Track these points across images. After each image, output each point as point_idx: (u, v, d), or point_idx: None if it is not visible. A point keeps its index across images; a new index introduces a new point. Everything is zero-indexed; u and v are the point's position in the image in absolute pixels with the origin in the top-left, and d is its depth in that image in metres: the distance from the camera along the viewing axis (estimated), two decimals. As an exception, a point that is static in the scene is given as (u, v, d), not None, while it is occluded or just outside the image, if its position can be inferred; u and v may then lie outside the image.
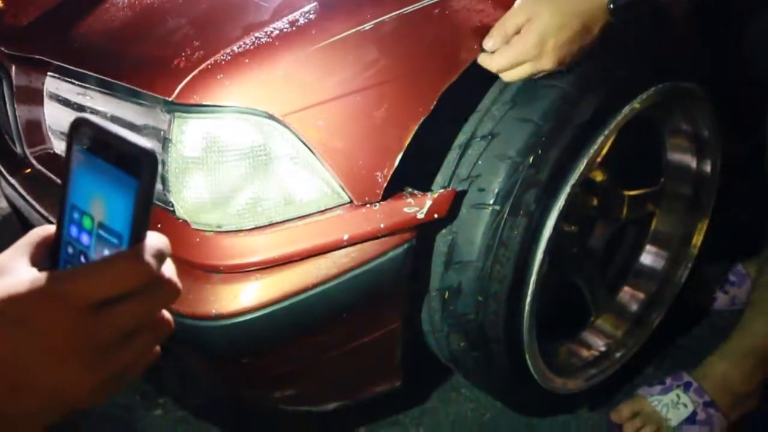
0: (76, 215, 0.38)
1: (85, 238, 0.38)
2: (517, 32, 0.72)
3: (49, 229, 0.40)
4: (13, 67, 1.04)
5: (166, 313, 0.39)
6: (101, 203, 0.37)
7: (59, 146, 1.02)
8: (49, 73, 0.97)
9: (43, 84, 0.99)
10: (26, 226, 1.14)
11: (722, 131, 1.01)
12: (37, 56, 0.97)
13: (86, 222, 0.37)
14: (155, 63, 0.76)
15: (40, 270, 0.37)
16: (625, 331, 1.08)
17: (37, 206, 1.04)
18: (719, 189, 1.05)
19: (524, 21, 0.71)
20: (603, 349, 1.07)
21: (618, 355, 1.06)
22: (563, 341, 1.10)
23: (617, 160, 1.00)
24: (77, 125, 0.37)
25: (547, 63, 0.73)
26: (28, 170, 1.09)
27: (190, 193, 0.74)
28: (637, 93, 0.85)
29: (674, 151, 1.06)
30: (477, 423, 1.12)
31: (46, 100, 0.99)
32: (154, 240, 0.37)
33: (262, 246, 0.74)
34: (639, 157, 1.08)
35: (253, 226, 0.74)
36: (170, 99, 0.71)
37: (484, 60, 0.76)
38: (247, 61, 0.70)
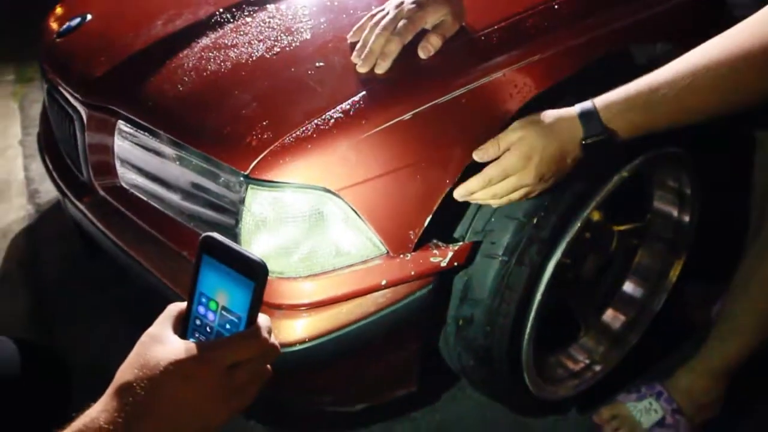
0: (204, 300, 0.55)
1: (210, 315, 0.55)
2: (508, 149, 0.84)
3: (181, 305, 0.57)
4: (86, 110, 1.18)
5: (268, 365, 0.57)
6: (224, 293, 0.54)
7: (125, 176, 1.14)
8: (120, 120, 1.11)
9: (114, 123, 1.11)
10: (90, 244, 1.28)
11: (703, 189, 1.18)
12: (110, 106, 1.12)
13: (212, 305, 0.55)
14: (229, 137, 0.91)
15: (180, 337, 0.54)
16: (607, 348, 1.27)
17: (106, 231, 1.17)
18: (696, 236, 1.22)
19: (516, 140, 0.83)
20: (587, 362, 1.26)
21: (599, 368, 1.25)
22: (554, 354, 1.28)
23: (609, 201, 1.17)
24: (206, 240, 0.53)
25: (530, 176, 0.83)
26: (95, 197, 1.22)
27: (258, 246, 0.91)
28: (627, 162, 1.02)
29: (659, 200, 1.23)
30: (479, 420, 1.30)
31: (116, 136, 1.11)
32: (265, 320, 0.55)
33: (316, 289, 0.91)
34: (628, 198, 1.25)
35: (308, 273, 0.91)
36: (246, 173, 0.87)
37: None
38: (309, 146, 0.86)
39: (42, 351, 0.91)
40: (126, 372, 0.51)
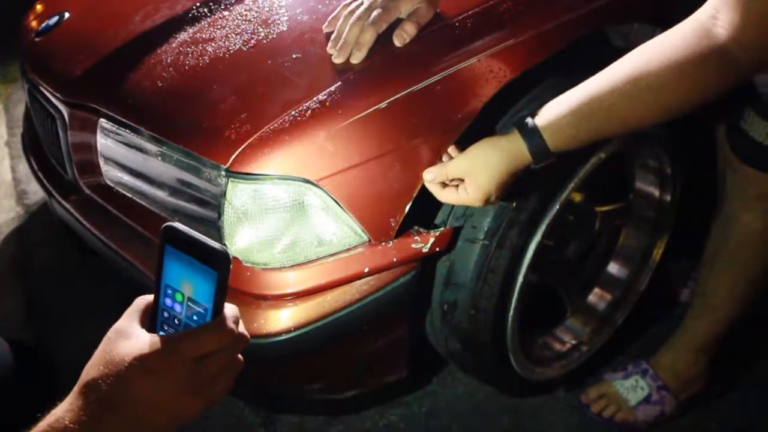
0: (170, 291, 0.53)
1: (177, 307, 0.53)
2: (461, 180, 0.87)
3: (148, 298, 0.55)
4: (67, 109, 1.18)
5: (239, 355, 0.55)
6: (189, 284, 0.52)
7: (109, 174, 1.14)
8: (102, 118, 1.11)
9: (95, 121, 1.11)
10: (79, 243, 1.29)
11: (683, 168, 1.19)
12: (91, 104, 1.12)
13: (178, 296, 0.53)
14: (209, 131, 0.92)
15: (147, 331, 0.53)
16: (593, 328, 1.28)
17: (93, 229, 1.18)
18: (677, 215, 1.24)
19: (464, 174, 0.86)
20: (574, 342, 1.28)
21: (585, 348, 1.27)
22: (540, 335, 1.30)
23: (591, 182, 1.18)
24: (168, 230, 0.52)
25: (479, 203, 0.87)
26: (81, 196, 1.22)
27: (240, 239, 0.92)
28: (603, 144, 1.03)
29: (641, 180, 1.24)
30: (470, 403, 1.32)
31: (99, 134, 1.11)
32: (231, 310, 0.54)
33: (300, 279, 0.93)
34: (611, 178, 1.26)
35: (292, 264, 0.93)
36: (225, 166, 0.88)
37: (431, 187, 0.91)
38: (287, 137, 0.87)
39: (28, 351, 0.91)
40: (91, 369, 0.51)
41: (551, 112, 0.81)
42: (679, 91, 0.74)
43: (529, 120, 0.82)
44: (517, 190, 0.94)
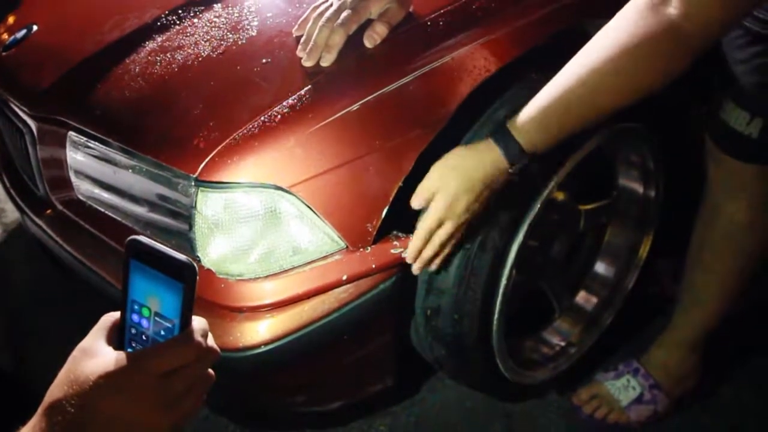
0: (136, 307, 0.52)
1: (144, 323, 0.52)
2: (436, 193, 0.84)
3: (115, 315, 0.53)
4: (36, 123, 1.16)
5: (209, 369, 0.54)
6: (155, 298, 0.51)
7: (81, 188, 1.11)
8: (71, 132, 1.09)
9: (64, 135, 1.08)
10: (54, 260, 1.26)
11: (665, 163, 1.18)
12: (59, 117, 1.09)
13: (144, 311, 0.52)
14: (177, 140, 0.90)
15: (115, 348, 0.51)
16: (582, 329, 1.26)
17: (66, 246, 1.15)
18: (662, 211, 1.22)
19: (437, 189, 0.83)
20: (563, 344, 1.26)
21: (575, 350, 1.25)
22: (528, 338, 1.28)
23: (574, 180, 1.16)
24: (132, 244, 0.50)
25: (464, 214, 0.84)
26: (53, 212, 1.19)
27: (213, 249, 0.89)
28: (585, 140, 1.01)
29: (624, 177, 1.22)
30: (460, 410, 1.30)
31: (68, 147, 1.08)
32: (199, 324, 0.52)
33: (276, 289, 0.90)
34: (593, 175, 1.24)
35: (267, 274, 0.90)
36: (194, 176, 0.85)
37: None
38: (256, 143, 0.84)
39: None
40: (55, 390, 0.49)
41: (522, 114, 0.80)
42: (638, 73, 0.74)
43: (500, 124, 0.82)
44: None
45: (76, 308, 1.53)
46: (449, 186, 0.82)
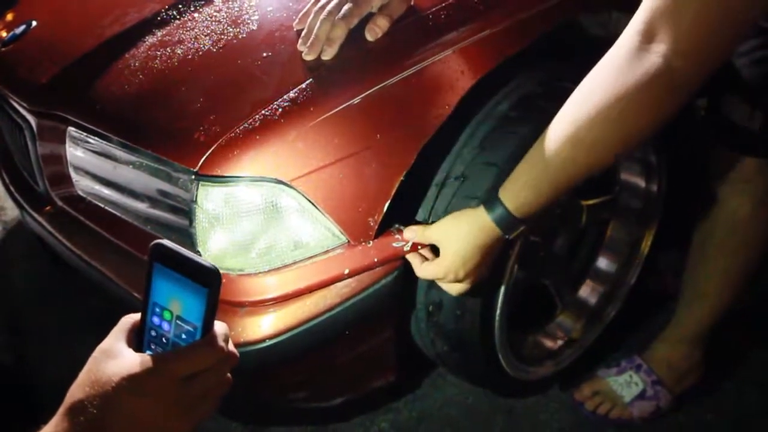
0: (158, 309, 0.53)
1: (165, 326, 0.53)
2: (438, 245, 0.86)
3: (135, 317, 0.55)
4: (35, 119, 1.16)
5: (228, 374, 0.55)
6: (178, 302, 0.52)
7: (80, 184, 1.11)
8: (70, 127, 1.08)
9: (64, 130, 1.08)
10: (54, 257, 1.25)
11: (667, 157, 1.17)
12: (59, 113, 1.09)
13: (166, 315, 0.53)
14: (177, 134, 0.89)
15: (134, 350, 0.52)
16: (584, 324, 1.26)
17: (66, 242, 1.15)
18: (665, 205, 1.22)
19: (438, 245, 0.85)
20: (565, 339, 1.25)
21: (577, 345, 1.24)
22: (530, 333, 1.27)
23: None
24: (156, 247, 0.51)
25: (469, 282, 0.87)
26: (53, 208, 1.19)
27: (214, 244, 0.89)
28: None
29: (626, 171, 1.22)
30: (462, 405, 1.29)
31: (68, 143, 1.08)
32: (221, 328, 0.53)
33: (277, 284, 0.89)
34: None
35: (269, 268, 0.89)
36: (195, 170, 0.85)
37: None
38: (257, 137, 0.84)
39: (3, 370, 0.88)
40: (77, 390, 0.49)
41: (510, 178, 0.79)
42: (632, 126, 0.70)
43: (492, 192, 0.82)
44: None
45: (77, 306, 1.54)
46: (448, 247, 0.84)
